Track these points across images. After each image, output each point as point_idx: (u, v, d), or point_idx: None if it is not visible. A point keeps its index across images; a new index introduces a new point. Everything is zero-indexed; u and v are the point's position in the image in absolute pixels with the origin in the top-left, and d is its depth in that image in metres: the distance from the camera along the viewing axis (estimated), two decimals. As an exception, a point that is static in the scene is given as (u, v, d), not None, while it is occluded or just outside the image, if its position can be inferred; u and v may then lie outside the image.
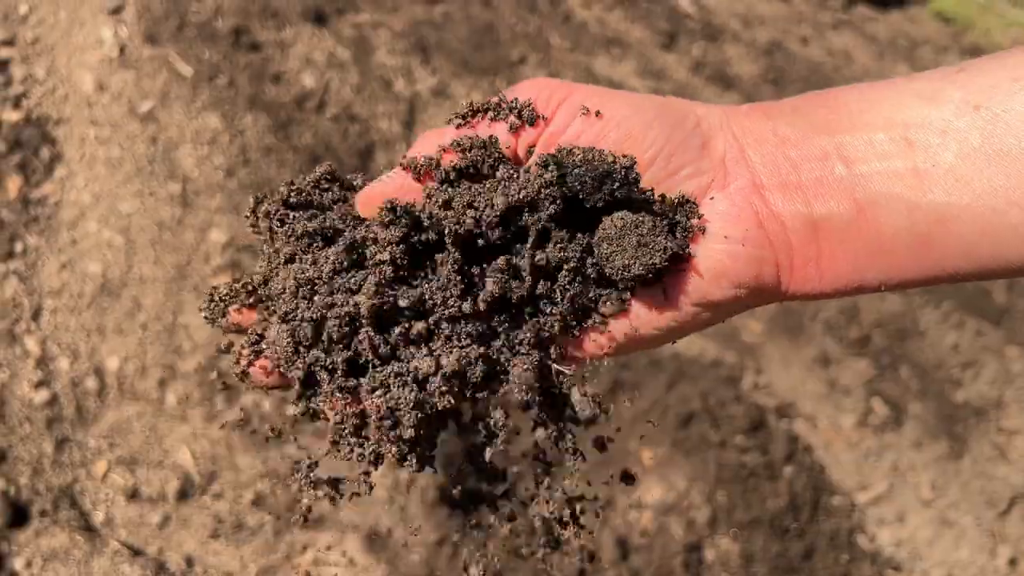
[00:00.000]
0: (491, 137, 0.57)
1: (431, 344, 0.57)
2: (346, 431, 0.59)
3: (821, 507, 2.13)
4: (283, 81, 2.22)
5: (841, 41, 3.65)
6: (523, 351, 0.58)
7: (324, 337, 0.57)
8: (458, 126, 0.59)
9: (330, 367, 0.58)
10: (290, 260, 0.60)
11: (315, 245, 0.59)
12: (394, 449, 0.58)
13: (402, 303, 0.55)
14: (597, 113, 0.56)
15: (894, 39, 3.81)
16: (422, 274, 0.57)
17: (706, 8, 3.47)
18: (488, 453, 0.64)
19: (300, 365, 0.58)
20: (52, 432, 1.84)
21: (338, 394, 0.58)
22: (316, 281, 0.57)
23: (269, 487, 1.79)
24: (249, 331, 0.64)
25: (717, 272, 0.56)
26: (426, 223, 0.55)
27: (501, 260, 0.55)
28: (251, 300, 0.64)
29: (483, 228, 0.55)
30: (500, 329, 0.58)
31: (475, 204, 0.55)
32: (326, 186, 0.65)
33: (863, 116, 0.54)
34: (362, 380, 0.58)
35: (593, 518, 1.92)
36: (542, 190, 0.54)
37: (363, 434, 0.60)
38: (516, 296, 0.56)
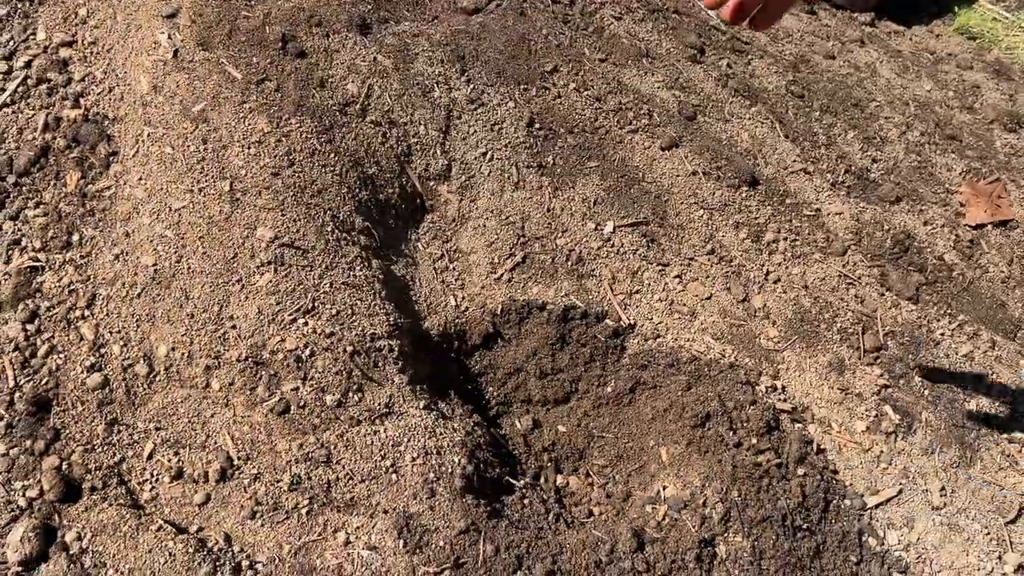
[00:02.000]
0: None
1: None
2: None
3: (832, 508, 2.21)
4: (328, 87, 2.32)
5: (866, 55, 3.71)
6: None
7: None
8: None
9: None
10: None
11: None
12: None
13: None
14: None
15: (918, 54, 3.87)
16: None
17: (734, 21, 3.53)
18: None
19: None
20: (103, 413, 1.95)
21: None
22: None
23: (305, 471, 1.89)
24: None
25: None
26: None
27: None
28: None
29: None
30: None
31: None
32: None
33: None
34: None
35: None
36: None
37: None
38: None
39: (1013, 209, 3.22)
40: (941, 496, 2.38)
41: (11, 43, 2.38)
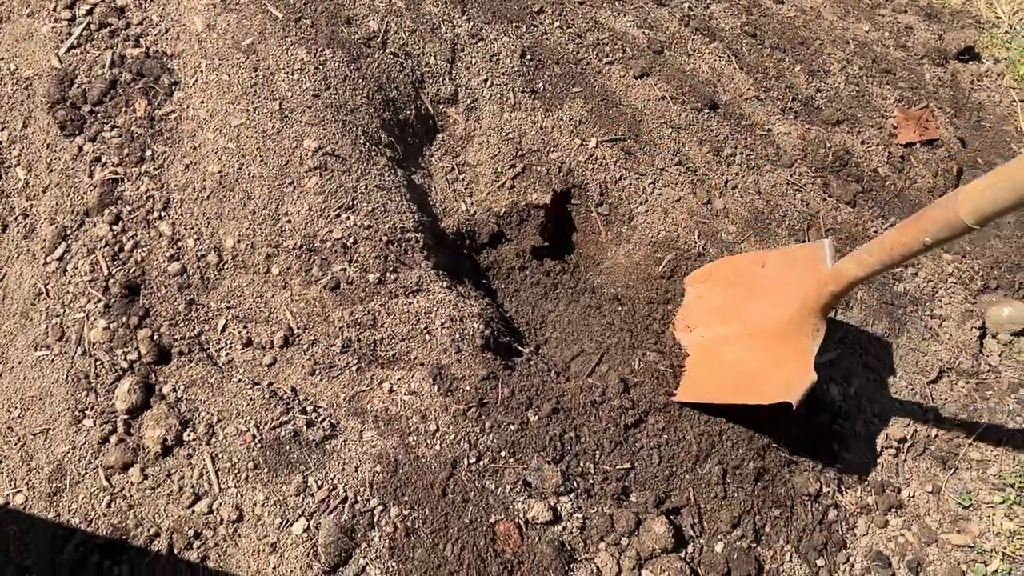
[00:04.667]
0: None
1: None
2: None
3: (783, 365, 2.67)
4: (353, 24, 2.73)
5: (812, 0, 4.16)
6: None
7: None
8: None
9: None
10: None
11: None
12: None
13: None
14: None
15: (858, 0, 4.33)
16: None
17: (694, -29, 3.97)
18: None
19: None
20: (183, 295, 2.36)
21: None
22: None
23: (355, 334, 2.32)
24: None
25: None
26: None
27: None
28: None
29: None
30: None
31: None
32: None
33: None
34: None
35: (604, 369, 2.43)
36: None
37: None
38: None
39: (939, 130, 3.70)
40: (875, 359, 2.86)
41: (72, -7, 2.75)
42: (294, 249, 2.38)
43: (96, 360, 2.23)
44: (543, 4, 3.16)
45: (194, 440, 2.15)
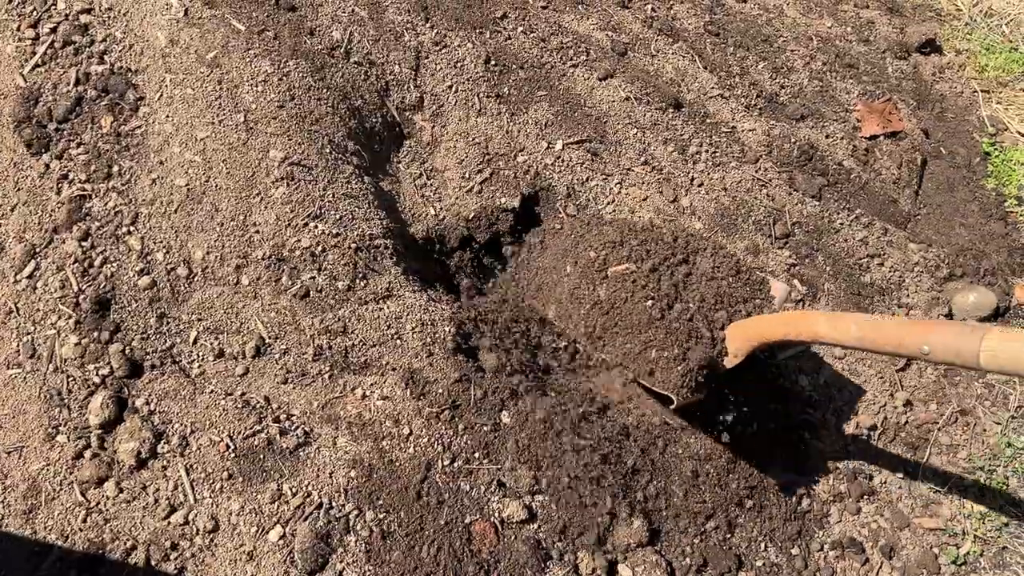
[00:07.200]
0: None
1: None
2: None
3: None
4: (316, 34, 2.75)
5: (774, -1, 4.22)
6: None
7: None
8: None
9: None
10: None
11: None
12: None
13: None
14: None
15: (820, -4, 4.39)
16: None
17: (657, -28, 4.01)
18: None
19: None
20: (153, 308, 2.37)
21: None
22: None
23: (326, 341, 2.34)
24: None
25: None
26: None
27: None
28: None
29: None
30: None
31: None
32: None
33: None
34: None
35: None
36: None
37: None
38: None
39: (903, 123, 3.75)
40: (842, 349, 2.90)
41: (35, 13, 2.75)
42: (263, 259, 2.39)
43: (68, 376, 2.24)
44: (506, 9, 3.19)
45: (168, 452, 2.16)
